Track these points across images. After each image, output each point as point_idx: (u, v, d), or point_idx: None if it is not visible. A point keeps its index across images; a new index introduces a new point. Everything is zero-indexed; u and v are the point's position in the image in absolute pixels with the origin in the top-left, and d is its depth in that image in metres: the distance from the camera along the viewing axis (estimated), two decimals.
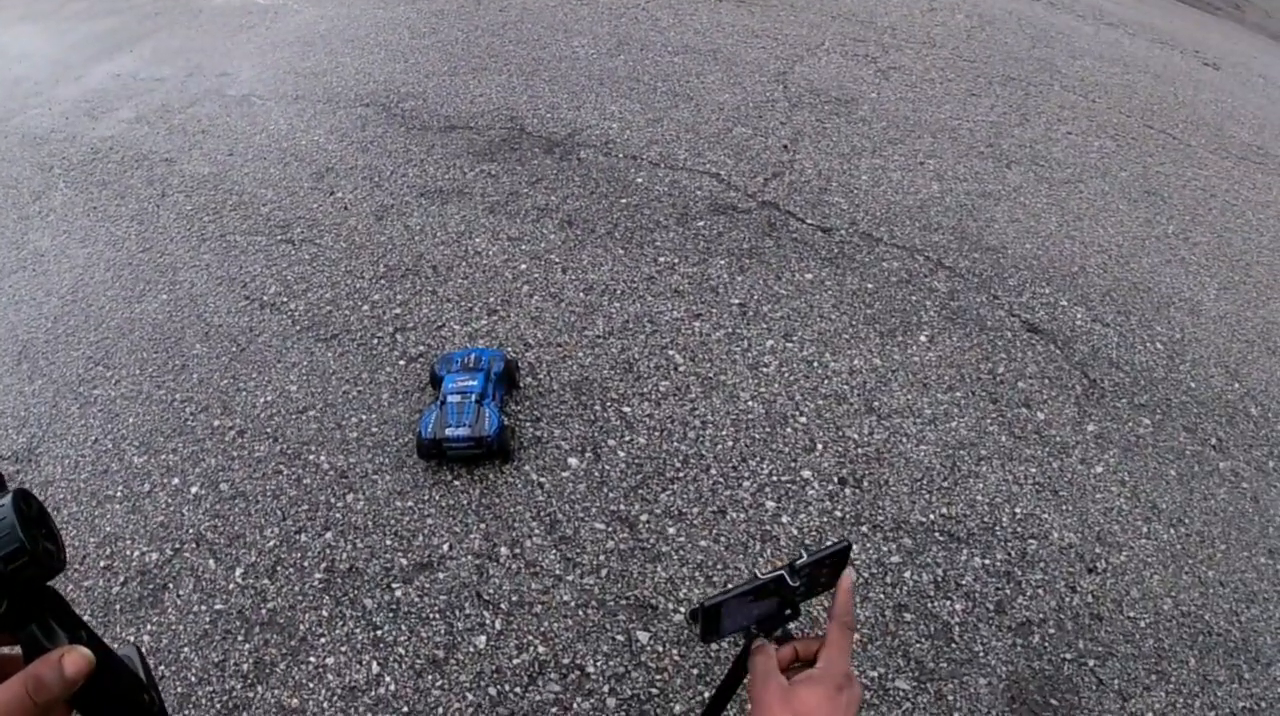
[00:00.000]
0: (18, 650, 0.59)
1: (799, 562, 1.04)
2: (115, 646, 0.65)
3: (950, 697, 1.95)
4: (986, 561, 2.20)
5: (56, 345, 3.01)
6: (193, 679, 2.05)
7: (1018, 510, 2.31)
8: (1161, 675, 2.03)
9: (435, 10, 5.43)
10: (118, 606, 2.18)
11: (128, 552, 2.31)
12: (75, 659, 0.58)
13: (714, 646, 2.02)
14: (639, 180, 3.58)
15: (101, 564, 2.30)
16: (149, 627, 2.14)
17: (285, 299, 3.02)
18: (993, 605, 2.11)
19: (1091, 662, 2.03)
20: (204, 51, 5.24)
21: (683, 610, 2.08)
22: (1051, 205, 3.51)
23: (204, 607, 2.17)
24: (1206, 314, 3.08)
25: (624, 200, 3.45)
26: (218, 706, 2.00)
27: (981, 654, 2.02)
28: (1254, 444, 2.61)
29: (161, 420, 2.66)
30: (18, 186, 3.92)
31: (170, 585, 2.23)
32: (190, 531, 2.34)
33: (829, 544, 1.04)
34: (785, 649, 1.02)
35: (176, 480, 2.48)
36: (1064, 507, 2.34)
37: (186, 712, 1.97)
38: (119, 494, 2.46)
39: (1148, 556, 2.26)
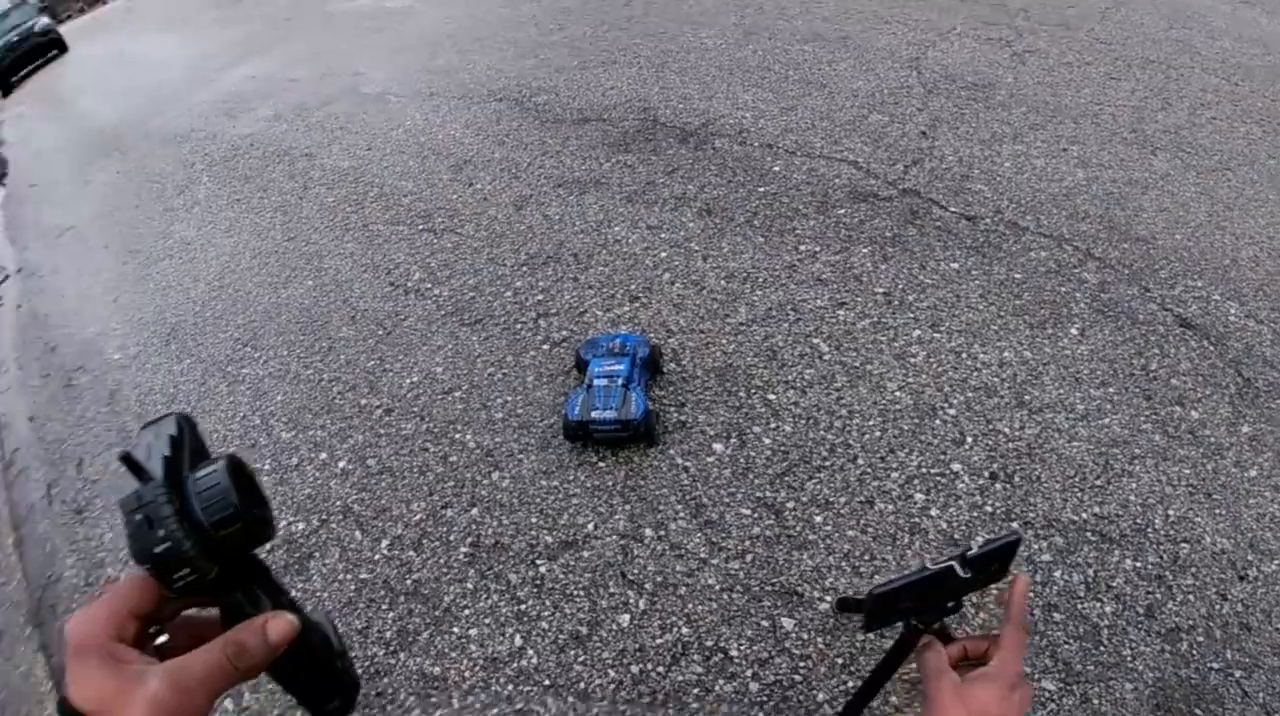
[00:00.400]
0: (212, 612, 0.59)
1: (971, 553, 1.00)
2: (310, 613, 0.65)
3: (1095, 702, 1.89)
4: (1138, 564, 2.12)
5: (204, 327, 3.15)
6: None
7: (1171, 512, 2.22)
8: None
9: (561, 8, 5.51)
10: None
11: (275, 523, 2.40)
12: (281, 625, 0.59)
13: (860, 637, 2.00)
14: (776, 168, 3.58)
15: None
16: (294, 594, 2.18)
17: (429, 285, 3.11)
18: (1143, 609, 2.03)
19: (1238, 674, 1.93)
20: (336, 54, 5.43)
21: (829, 599, 2.06)
22: (1200, 194, 3.36)
23: (349, 576, 2.25)
24: None
25: (761, 188, 3.45)
26: (360, 671, 2.02)
27: (1129, 658, 1.95)
28: None
29: (309, 398, 2.76)
30: (162, 181, 4.12)
31: (316, 554, 2.32)
32: (337, 504, 2.43)
33: (999, 536, 1.03)
34: (954, 646, 1.01)
35: (324, 455, 2.57)
36: (1217, 511, 2.24)
37: None
38: (267, 467, 2.58)
39: None
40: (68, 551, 2.61)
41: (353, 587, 2.23)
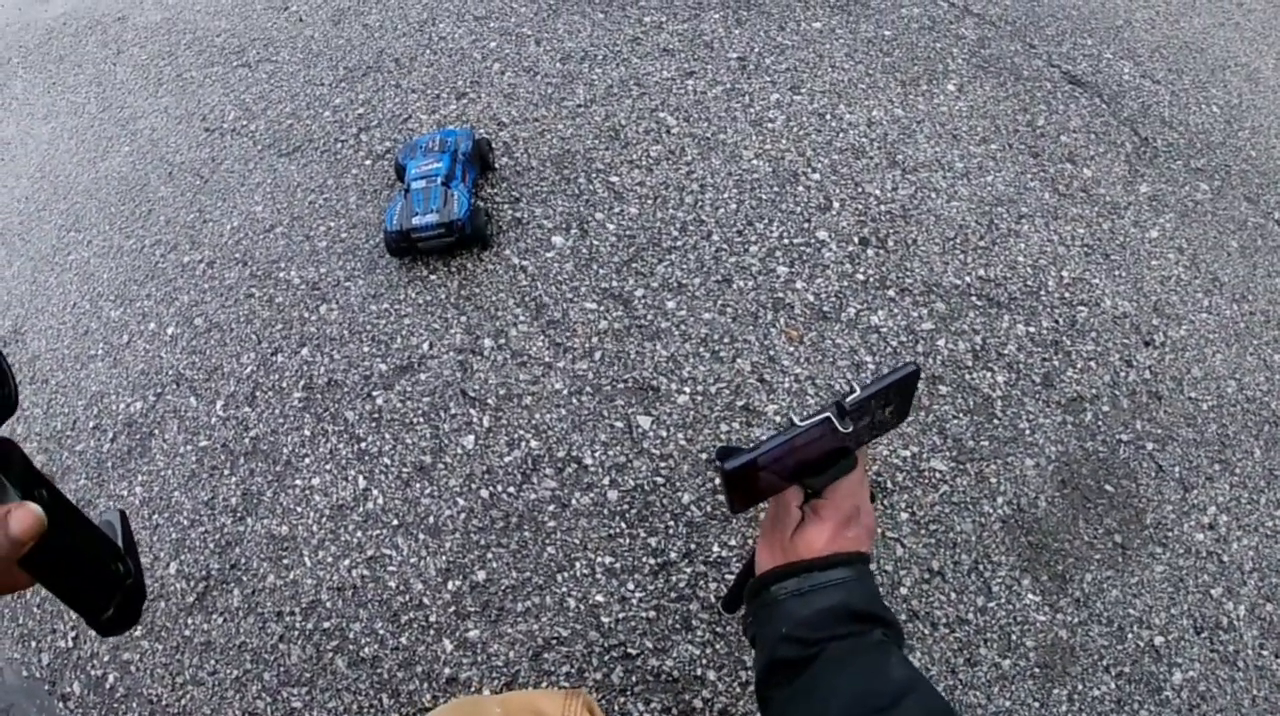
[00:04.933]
0: None
1: (850, 400, 0.81)
2: (98, 512, 0.61)
3: (993, 480, 1.73)
4: (1031, 329, 1.94)
5: (29, 223, 2.88)
6: (185, 522, 1.93)
7: (1065, 273, 2.03)
8: (1225, 465, 1.80)
9: None
10: (109, 463, 2.07)
11: (114, 407, 2.19)
12: (23, 516, 0.51)
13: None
14: None
15: (91, 424, 2.18)
16: (140, 479, 2.04)
17: (245, 122, 2.80)
18: (1039, 377, 1.87)
19: (1150, 446, 1.79)
20: None
21: (687, 390, 1.85)
22: None
23: (189, 448, 2.04)
24: (1265, 82, 2.74)
25: None
26: (211, 546, 1.89)
27: (1028, 431, 1.79)
28: None
29: (134, 269, 2.51)
30: None
31: (156, 432, 2.10)
32: (170, 373, 2.20)
33: (889, 371, 0.84)
34: None
35: (153, 325, 2.33)
36: (1116, 273, 2.06)
37: (182, 557, 1.86)
38: (100, 351, 2.33)
39: (1209, 332, 2.00)
40: None
41: (194, 458, 2.02)
